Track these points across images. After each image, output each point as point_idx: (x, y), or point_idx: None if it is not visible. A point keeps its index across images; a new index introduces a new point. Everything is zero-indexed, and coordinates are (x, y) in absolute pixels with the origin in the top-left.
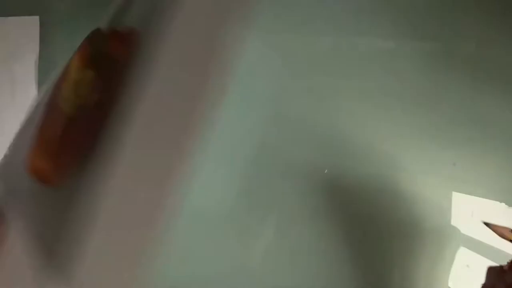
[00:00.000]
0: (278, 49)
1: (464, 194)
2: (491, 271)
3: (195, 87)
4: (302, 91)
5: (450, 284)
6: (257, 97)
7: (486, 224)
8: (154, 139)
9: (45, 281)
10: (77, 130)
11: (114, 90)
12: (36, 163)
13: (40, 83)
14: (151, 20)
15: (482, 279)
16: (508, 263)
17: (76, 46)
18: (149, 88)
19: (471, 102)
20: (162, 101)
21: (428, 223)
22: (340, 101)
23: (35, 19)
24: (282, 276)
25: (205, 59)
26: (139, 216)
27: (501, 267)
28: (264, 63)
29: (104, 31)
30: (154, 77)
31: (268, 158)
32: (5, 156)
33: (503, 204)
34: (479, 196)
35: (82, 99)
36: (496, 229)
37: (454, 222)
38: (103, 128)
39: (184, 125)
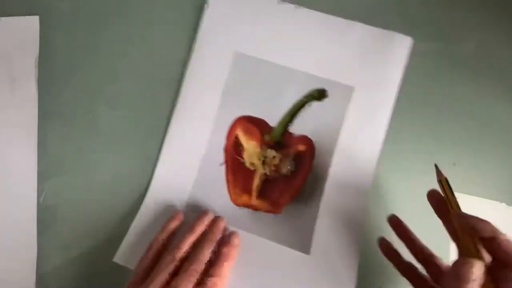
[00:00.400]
0: None
1: (464, 194)
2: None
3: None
4: None
5: None
6: None
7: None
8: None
9: None
10: (281, 184)
11: (302, 164)
12: (250, 203)
13: (40, 83)
14: (322, 130)
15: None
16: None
17: (76, 46)
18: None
19: (471, 102)
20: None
21: (428, 223)
22: None
23: (35, 19)
24: None
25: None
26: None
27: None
28: None
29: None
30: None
31: None
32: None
33: (503, 204)
34: (479, 196)
35: (274, 171)
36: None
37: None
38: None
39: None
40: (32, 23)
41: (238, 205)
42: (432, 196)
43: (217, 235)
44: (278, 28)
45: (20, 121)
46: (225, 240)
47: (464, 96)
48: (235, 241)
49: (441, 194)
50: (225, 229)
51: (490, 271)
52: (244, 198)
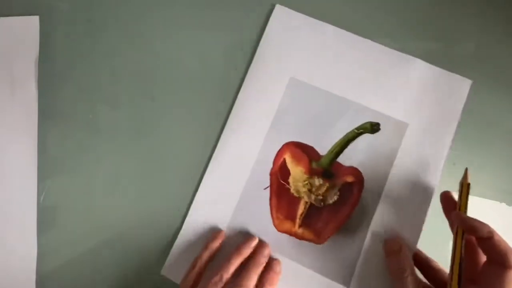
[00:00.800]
0: None
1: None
2: None
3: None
4: None
5: None
6: None
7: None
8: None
9: None
10: (326, 214)
11: (350, 195)
12: (293, 231)
13: (40, 83)
14: (372, 163)
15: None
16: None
17: (76, 46)
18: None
19: (471, 102)
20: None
21: (428, 223)
22: None
23: (35, 19)
24: None
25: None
26: None
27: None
28: None
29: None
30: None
31: None
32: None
33: (503, 204)
34: (479, 196)
35: (320, 200)
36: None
37: None
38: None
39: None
40: (32, 23)
41: (280, 231)
42: (445, 196)
43: (264, 260)
44: (336, 56)
45: (20, 121)
46: (268, 266)
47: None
48: (277, 268)
49: (452, 196)
50: (268, 256)
51: (485, 268)
52: (287, 225)
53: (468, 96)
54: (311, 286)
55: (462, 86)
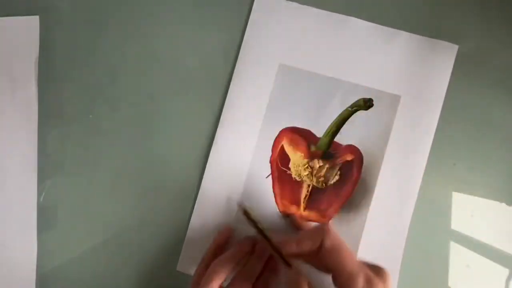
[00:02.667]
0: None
1: (464, 194)
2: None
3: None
4: None
5: (450, 284)
6: None
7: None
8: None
9: None
10: (329, 194)
11: (350, 173)
12: (299, 214)
13: (40, 83)
14: (370, 139)
15: (482, 279)
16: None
17: (76, 46)
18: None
19: (471, 101)
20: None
21: (428, 223)
22: None
23: (35, 19)
24: None
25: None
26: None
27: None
28: None
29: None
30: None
31: None
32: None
33: (503, 204)
34: (479, 196)
35: (321, 181)
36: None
37: (454, 222)
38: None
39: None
40: (32, 23)
41: (287, 215)
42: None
43: (259, 266)
44: (322, 38)
45: (20, 121)
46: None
47: (464, 96)
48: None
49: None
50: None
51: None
52: (293, 209)
53: (456, 64)
54: None
55: (448, 51)
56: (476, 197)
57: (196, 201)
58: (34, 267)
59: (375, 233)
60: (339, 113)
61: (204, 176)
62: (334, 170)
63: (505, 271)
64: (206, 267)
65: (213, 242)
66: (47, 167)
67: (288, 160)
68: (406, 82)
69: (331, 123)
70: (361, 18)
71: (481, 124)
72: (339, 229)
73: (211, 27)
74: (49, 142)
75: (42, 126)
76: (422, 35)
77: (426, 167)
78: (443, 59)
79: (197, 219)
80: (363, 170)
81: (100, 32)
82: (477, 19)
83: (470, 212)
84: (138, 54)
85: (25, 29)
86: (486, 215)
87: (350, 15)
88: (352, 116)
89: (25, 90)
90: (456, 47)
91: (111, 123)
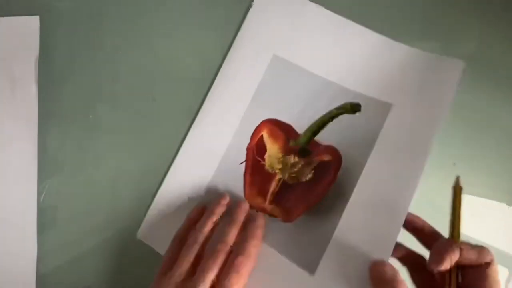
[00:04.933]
0: None
1: (464, 194)
2: None
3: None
4: None
5: None
6: None
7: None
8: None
9: None
10: (299, 192)
11: (325, 174)
12: (262, 206)
13: (40, 83)
14: (353, 144)
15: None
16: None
17: (76, 46)
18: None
19: (471, 101)
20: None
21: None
22: None
23: (35, 19)
24: None
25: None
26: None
27: None
28: None
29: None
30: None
31: None
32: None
33: (503, 204)
34: (479, 196)
35: (293, 177)
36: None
37: None
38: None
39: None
40: (32, 23)
41: (251, 205)
42: (412, 224)
43: (242, 216)
44: (321, 37)
45: (20, 121)
46: (249, 220)
47: (464, 95)
48: (260, 220)
49: (421, 222)
50: (248, 213)
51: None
52: (258, 200)
53: (463, 87)
54: (273, 268)
55: (452, 68)
56: (476, 197)
57: (167, 174)
58: (34, 267)
59: (342, 249)
60: (325, 113)
61: (180, 150)
62: (309, 168)
63: (505, 271)
64: (180, 243)
65: (186, 219)
66: (47, 167)
67: (265, 151)
68: (401, 92)
69: (314, 122)
70: (362, 24)
71: (481, 124)
72: (304, 234)
73: (211, 27)
74: (49, 142)
75: (42, 126)
76: (427, 40)
77: (426, 167)
78: (446, 75)
79: (165, 194)
80: (340, 173)
81: (100, 32)
82: (478, 21)
83: (470, 212)
84: (138, 54)
85: (25, 29)
86: (486, 215)
87: (351, 19)
88: (339, 118)
89: (25, 90)
90: (461, 63)
91: (111, 123)
